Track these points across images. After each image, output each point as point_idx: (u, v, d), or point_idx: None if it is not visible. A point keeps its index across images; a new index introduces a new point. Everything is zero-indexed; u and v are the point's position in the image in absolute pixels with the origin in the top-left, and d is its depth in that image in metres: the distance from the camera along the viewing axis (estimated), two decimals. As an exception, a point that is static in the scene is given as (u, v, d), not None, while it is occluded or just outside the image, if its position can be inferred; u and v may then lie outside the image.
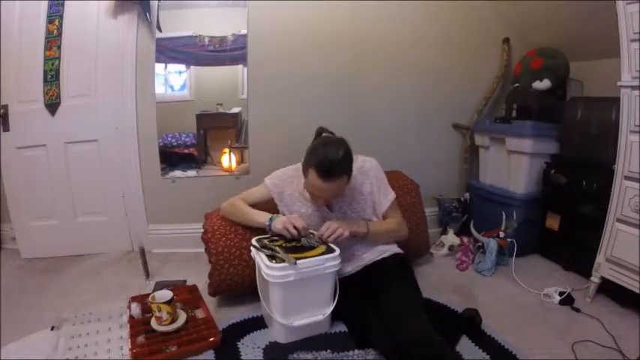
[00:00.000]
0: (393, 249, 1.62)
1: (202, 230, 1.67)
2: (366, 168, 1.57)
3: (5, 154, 2.09)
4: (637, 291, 1.48)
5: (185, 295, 1.64)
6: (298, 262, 1.29)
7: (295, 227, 1.41)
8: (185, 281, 1.83)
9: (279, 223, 1.45)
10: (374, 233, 1.53)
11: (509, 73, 2.46)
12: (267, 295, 1.37)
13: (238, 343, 1.40)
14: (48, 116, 2.08)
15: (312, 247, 1.40)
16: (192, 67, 2.20)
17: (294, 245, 1.41)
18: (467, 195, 2.47)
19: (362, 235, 1.50)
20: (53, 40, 2.02)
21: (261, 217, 1.52)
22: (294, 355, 1.32)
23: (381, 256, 1.57)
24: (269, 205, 1.61)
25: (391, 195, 1.61)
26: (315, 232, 1.50)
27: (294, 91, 2.24)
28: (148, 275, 1.92)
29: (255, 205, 1.60)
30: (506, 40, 2.45)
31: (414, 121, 2.45)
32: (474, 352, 1.34)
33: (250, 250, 1.47)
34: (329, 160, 1.31)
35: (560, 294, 1.69)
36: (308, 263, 1.31)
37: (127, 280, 1.92)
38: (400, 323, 1.22)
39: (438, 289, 1.80)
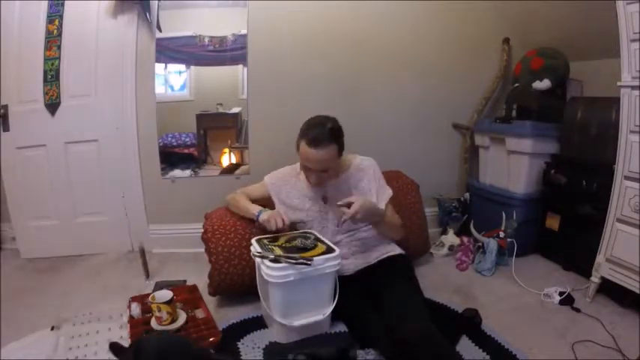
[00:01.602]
0: (394, 249, 1.62)
1: (202, 230, 1.68)
2: (364, 166, 1.61)
3: (5, 154, 2.10)
4: (637, 291, 1.48)
5: (185, 295, 1.64)
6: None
7: (283, 221, 1.46)
8: (185, 281, 1.83)
9: (265, 215, 1.50)
10: (387, 222, 1.54)
11: (509, 73, 2.46)
12: (267, 295, 1.37)
13: (238, 343, 1.40)
14: (48, 116, 2.08)
15: (311, 248, 1.40)
16: (192, 67, 2.20)
17: (294, 246, 1.41)
18: (467, 195, 2.47)
19: (377, 218, 1.49)
20: (53, 40, 2.02)
21: (253, 209, 1.58)
22: (294, 355, 1.32)
23: (382, 257, 1.57)
24: (268, 202, 1.64)
25: (387, 194, 1.62)
26: (314, 232, 1.51)
27: (294, 90, 2.24)
28: (148, 275, 1.92)
29: (255, 201, 1.65)
30: (506, 40, 2.45)
31: (413, 121, 2.45)
32: (474, 352, 1.34)
33: (250, 250, 1.48)
34: (316, 129, 1.41)
35: (560, 294, 1.69)
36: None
37: (127, 280, 1.92)
38: (401, 323, 1.22)
39: (438, 289, 1.80)
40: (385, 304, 1.34)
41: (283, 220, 1.47)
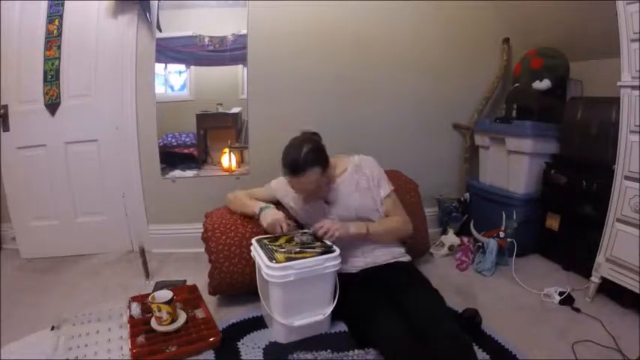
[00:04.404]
0: (403, 256, 1.63)
1: (202, 230, 1.67)
2: (362, 165, 1.62)
3: (5, 154, 2.10)
4: (637, 291, 1.48)
5: (185, 295, 1.64)
6: (297, 262, 1.30)
7: (281, 227, 1.50)
8: (185, 281, 1.83)
9: (268, 216, 1.52)
10: (374, 233, 1.54)
11: (509, 73, 2.46)
12: (267, 295, 1.37)
13: (238, 343, 1.40)
14: (48, 116, 2.08)
15: (311, 246, 1.40)
16: (192, 67, 2.21)
17: (294, 245, 1.41)
18: (467, 195, 2.47)
19: (362, 236, 1.51)
20: (53, 40, 2.02)
21: (254, 207, 1.60)
22: (294, 355, 1.32)
23: (391, 260, 1.58)
24: (274, 204, 1.65)
25: (386, 189, 1.61)
26: (309, 232, 1.51)
27: (294, 91, 2.24)
28: (148, 275, 1.92)
29: None
30: (506, 40, 2.45)
31: (414, 121, 2.45)
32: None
33: (250, 250, 1.48)
34: (292, 157, 1.40)
35: (560, 294, 1.69)
36: (308, 263, 1.31)
37: (127, 280, 1.92)
38: (433, 326, 1.21)
39: (438, 289, 1.77)
40: (411, 309, 1.31)
41: (282, 227, 1.50)
